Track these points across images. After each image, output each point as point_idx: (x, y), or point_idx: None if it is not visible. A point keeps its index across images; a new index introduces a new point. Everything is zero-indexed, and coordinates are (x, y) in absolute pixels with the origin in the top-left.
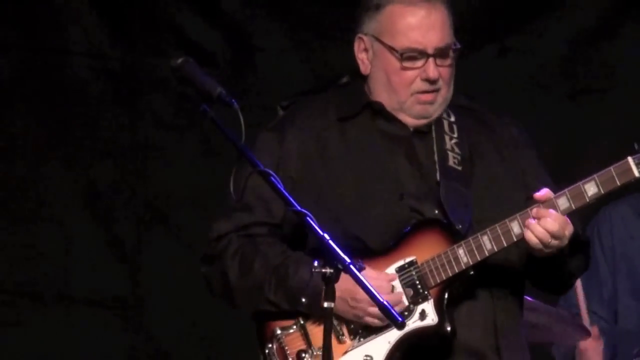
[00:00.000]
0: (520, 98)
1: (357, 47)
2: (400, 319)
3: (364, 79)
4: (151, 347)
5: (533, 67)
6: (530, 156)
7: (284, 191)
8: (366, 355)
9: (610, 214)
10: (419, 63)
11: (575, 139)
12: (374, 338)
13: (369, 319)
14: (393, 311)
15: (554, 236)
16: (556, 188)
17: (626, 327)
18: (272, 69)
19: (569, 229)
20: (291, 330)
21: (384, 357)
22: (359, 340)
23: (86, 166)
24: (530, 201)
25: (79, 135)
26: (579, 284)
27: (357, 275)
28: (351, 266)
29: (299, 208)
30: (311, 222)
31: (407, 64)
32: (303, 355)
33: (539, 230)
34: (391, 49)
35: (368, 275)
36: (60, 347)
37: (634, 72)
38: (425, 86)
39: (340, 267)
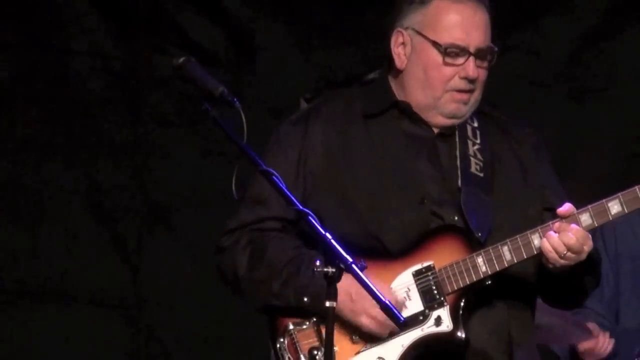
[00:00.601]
0: (521, 97)
1: (395, 40)
2: (401, 318)
3: (393, 75)
4: (152, 347)
5: (534, 67)
6: (548, 169)
7: (285, 190)
8: (379, 357)
9: None
10: (460, 60)
11: (577, 139)
12: (388, 341)
13: (365, 320)
14: (395, 310)
15: (570, 249)
16: (570, 201)
17: (628, 326)
18: (273, 68)
19: (588, 244)
20: (304, 326)
21: None
22: (373, 342)
23: (88, 165)
24: (549, 213)
25: (80, 135)
26: None
27: (359, 275)
28: (353, 265)
29: (300, 207)
30: (313, 221)
31: (448, 59)
32: (315, 352)
33: (556, 240)
34: (434, 44)
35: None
36: (62, 346)
37: (635, 72)
38: (463, 84)
39: (342, 267)
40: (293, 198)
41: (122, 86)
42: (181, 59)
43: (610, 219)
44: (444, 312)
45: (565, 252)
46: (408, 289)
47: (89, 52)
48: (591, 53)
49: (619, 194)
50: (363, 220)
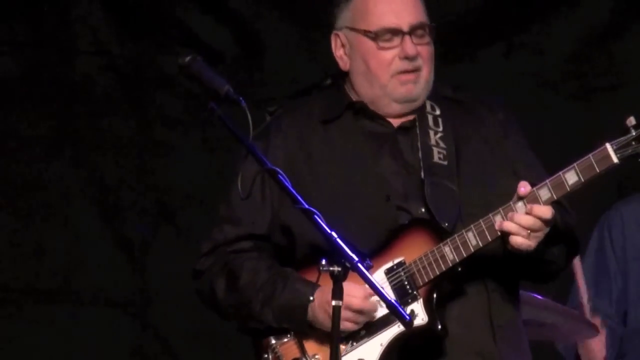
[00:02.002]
0: (527, 97)
1: (334, 45)
2: (407, 317)
3: (344, 78)
4: (158, 346)
5: (540, 66)
6: (518, 141)
7: (291, 189)
8: (359, 359)
9: (621, 213)
10: (396, 42)
11: (583, 138)
12: (367, 341)
13: (347, 324)
14: (401, 310)
15: (531, 229)
16: (546, 172)
17: (636, 327)
18: (279, 67)
19: (548, 218)
20: (285, 339)
21: None
22: (352, 345)
23: (93, 164)
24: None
25: (86, 133)
26: (581, 278)
27: (364, 274)
28: (359, 264)
29: (306, 206)
30: (319, 220)
31: (383, 44)
32: None
33: (514, 227)
34: (365, 32)
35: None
36: (68, 345)
37: None
38: (405, 64)
39: (347, 266)
40: (298, 197)
41: (128, 85)
42: (187, 58)
43: (569, 190)
44: (417, 306)
45: (528, 234)
46: (382, 288)
47: (95, 51)
48: (598, 52)
49: (574, 164)
50: (331, 226)
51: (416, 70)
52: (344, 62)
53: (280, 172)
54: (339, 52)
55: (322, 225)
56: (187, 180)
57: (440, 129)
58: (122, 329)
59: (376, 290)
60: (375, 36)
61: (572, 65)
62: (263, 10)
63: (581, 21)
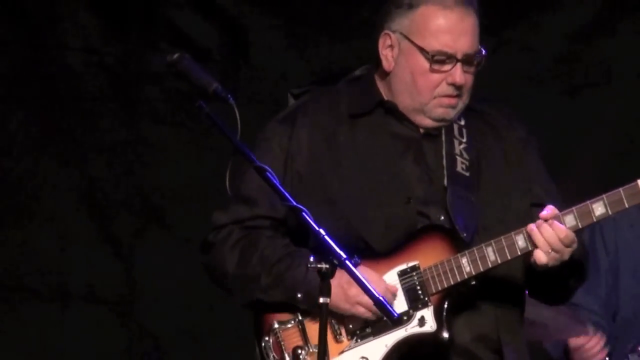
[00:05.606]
0: (515, 94)
1: (382, 43)
2: (395, 314)
3: (380, 75)
4: (147, 344)
5: (529, 63)
6: (536, 161)
7: (279, 187)
8: (362, 357)
9: None
10: (447, 67)
11: (571, 135)
12: (371, 340)
13: (360, 309)
14: (388, 307)
15: (552, 247)
16: (559, 194)
17: (627, 317)
18: (267, 64)
19: (571, 245)
20: (289, 325)
21: None
22: (356, 341)
23: (81, 162)
24: (537, 209)
25: (74, 131)
26: None
27: (352, 271)
28: (347, 261)
29: (294, 203)
30: (307, 217)
31: (435, 66)
32: (299, 351)
33: (539, 237)
34: (421, 50)
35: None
36: (56, 343)
37: (629, 68)
38: (450, 90)
39: (335, 263)
40: (287, 194)
41: (115, 83)
42: (175, 55)
43: (595, 220)
44: (427, 313)
45: (549, 251)
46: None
47: (82, 49)
48: (585, 49)
49: (603, 195)
50: (348, 221)
51: (458, 96)
52: (388, 63)
53: (269, 169)
54: (385, 52)
55: (310, 223)
56: (175, 177)
57: (464, 139)
58: (110, 326)
59: (363, 287)
60: (430, 57)
61: (560, 63)
62: (250, 7)
63: (569, 19)
